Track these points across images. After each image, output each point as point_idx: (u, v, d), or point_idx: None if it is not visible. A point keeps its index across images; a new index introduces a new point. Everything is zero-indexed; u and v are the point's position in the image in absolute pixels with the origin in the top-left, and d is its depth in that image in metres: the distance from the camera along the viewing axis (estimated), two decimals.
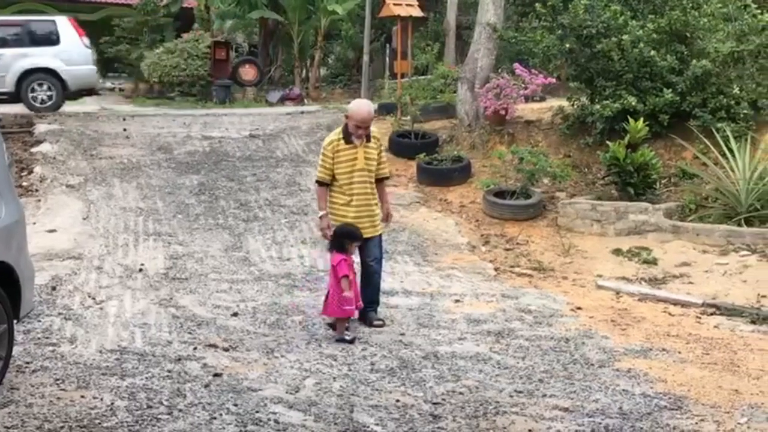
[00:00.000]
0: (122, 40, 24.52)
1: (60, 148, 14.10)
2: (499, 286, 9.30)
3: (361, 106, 7.82)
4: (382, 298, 8.50)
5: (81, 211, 11.31)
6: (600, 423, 5.52)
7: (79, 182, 12.50)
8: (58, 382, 6.00)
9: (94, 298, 8.25)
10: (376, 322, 7.76)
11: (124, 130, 15.77)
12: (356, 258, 7.69)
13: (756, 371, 6.68)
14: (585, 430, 5.39)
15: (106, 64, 27.50)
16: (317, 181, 7.74)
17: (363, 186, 7.70)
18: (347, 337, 7.30)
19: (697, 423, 5.56)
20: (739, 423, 5.57)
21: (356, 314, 7.62)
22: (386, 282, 8.87)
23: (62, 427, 5.18)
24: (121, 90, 24.86)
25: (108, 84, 26.70)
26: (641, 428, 5.43)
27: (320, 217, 7.73)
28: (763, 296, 8.81)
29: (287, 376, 6.28)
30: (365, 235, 7.72)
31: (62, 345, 6.89)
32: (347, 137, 7.62)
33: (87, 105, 19.12)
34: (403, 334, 7.51)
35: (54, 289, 8.40)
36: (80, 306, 8.00)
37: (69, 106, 18.20)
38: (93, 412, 5.46)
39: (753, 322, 8.24)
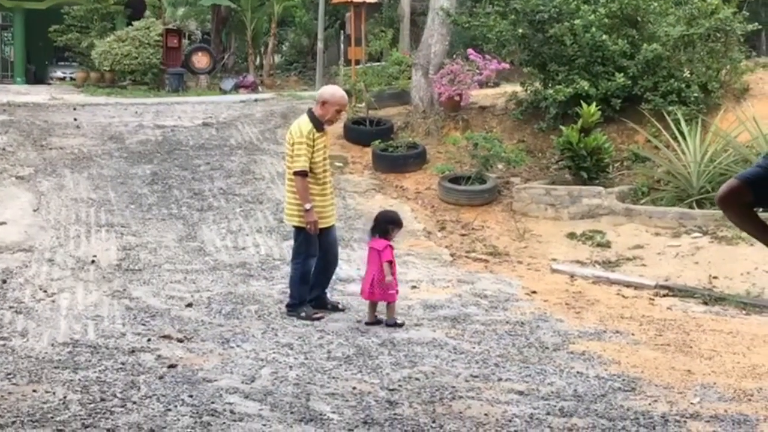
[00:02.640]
0: (72, 28, 24.12)
1: (9, 139, 13.86)
2: (455, 272, 9.33)
3: (337, 90, 7.92)
4: (339, 286, 8.51)
5: (31, 202, 11.13)
6: (555, 406, 5.56)
7: (29, 173, 12.30)
8: (9, 376, 5.91)
9: (45, 291, 8.14)
10: (340, 306, 7.88)
11: (75, 120, 15.53)
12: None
13: (708, 352, 6.78)
14: (540, 413, 5.42)
15: (56, 53, 27.15)
16: (300, 172, 7.44)
17: (330, 173, 7.74)
18: (399, 321, 7.39)
19: (650, 404, 5.62)
20: (692, 403, 5.64)
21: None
22: (342, 269, 8.86)
23: (14, 422, 5.09)
24: (71, 79, 24.49)
25: (58, 73, 26.33)
26: (596, 410, 5.48)
27: (307, 211, 7.45)
28: (715, 277, 8.94)
29: (243, 366, 6.24)
30: (331, 222, 7.74)
31: (13, 339, 6.78)
32: (318, 125, 7.56)
33: (37, 95, 18.80)
34: (359, 322, 7.50)
35: (4, 282, 8.27)
36: (31, 299, 7.89)
37: (18, 96, 17.89)
38: (45, 406, 5.38)
39: (705, 303, 8.36)
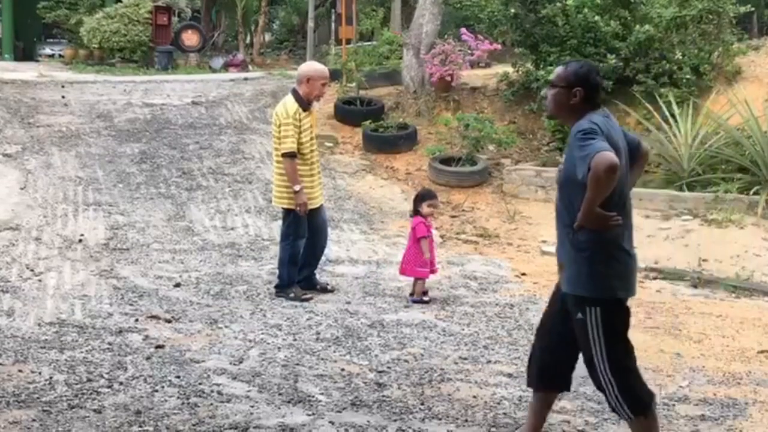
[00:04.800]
0: (61, 5, 23.92)
1: None
2: (445, 253, 9.30)
3: (318, 64, 7.95)
4: (328, 267, 8.48)
5: (18, 180, 11.03)
6: None
7: (17, 151, 12.19)
8: None
9: (32, 270, 8.08)
10: (329, 287, 7.85)
11: (63, 97, 15.41)
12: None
13: (697, 335, 6.78)
14: (529, 396, 5.37)
15: (44, 30, 26.93)
16: (288, 154, 7.35)
17: (317, 153, 7.69)
18: (425, 299, 7.50)
19: None
20: (680, 386, 5.65)
21: (431, 277, 7.76)
22: (332, 250, 8.83)
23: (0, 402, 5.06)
24: (60, 56, 24.29)
25: (47, 50, 26.11)
26: (584, 393, 5.47)
27: (296, 192, 7.36)
28: (705, 260, 8.93)
29: (231, 347, 6.21)
30: (320, 203, 7.71)
31: None
32: (303, 104, 7.49)
33: (24, 72, 18.65)
34: (349, 303, 7.48)
35: None
36: (18, 278, 7.83)
37: (5, 73, 17.74)
38: (31, 386, 5.34)
39: (694, 286, 8.37)
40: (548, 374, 4.53)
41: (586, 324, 4.19)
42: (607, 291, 4.18)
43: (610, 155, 3.91)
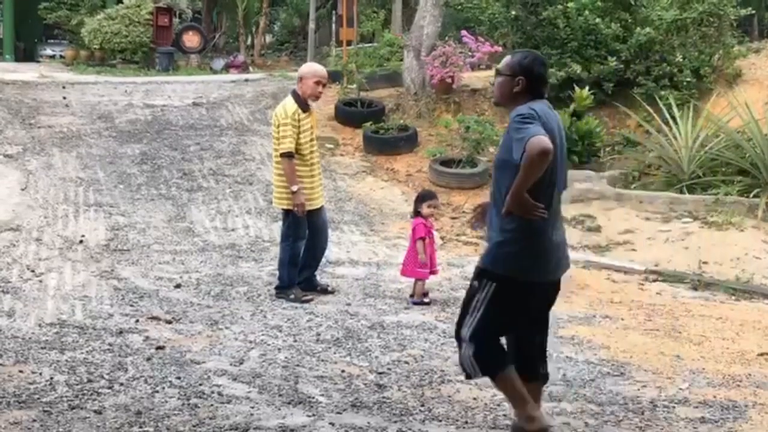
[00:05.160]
0: (62, 5, 23.92)
1: None
2: (445, 255, 9.30)
3: (313, 64, 8.01)
4: (329, 269, 8.49)
5: (19, 181, 11.04)
6: (544, 390, 5.54)
7: (18, 152, 12.20)
8: None
9: (33, 271, 8.08)
10: (329, 288, 7.85)
11: (64, 98, 15.41)
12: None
13: (697, 337, 6.78)
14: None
15: (45, 31, 26.94)
16: (286, 154, 7.37)
17: (317, 154, 7.69)
18: (426, 300, 7.50)
19: (639, 389, 5.62)
20: (680, 388, 5.65)
21: (431, 278, 7.77)
22: (332, 252, 8.84)
23: (0, 403, 5.06)
24: (61, 57, 24.29)
25: (48, 51, 26.11)
26: (584, 395, 5.48)
27: (294, 193, 7.37)
28: (705, 263, 8.94)
29: (231, 348, 6.22)
30: (320, 204, 7.71)
31: (0, 318, 6.74)
32: (303, 105, 7.50)
33: (26, 73, 18.66)
34: (349, 304, 7.48)
35: None
36: (19, 278, 7.84)
37: (6, 74, 17.74)
38: (32, 386, 5.35)
39: (694, 289, 8.37)
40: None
41: (477, 293, 4.45)
42: (510, 271, 4.37)
43: (544, 139, 4.07)
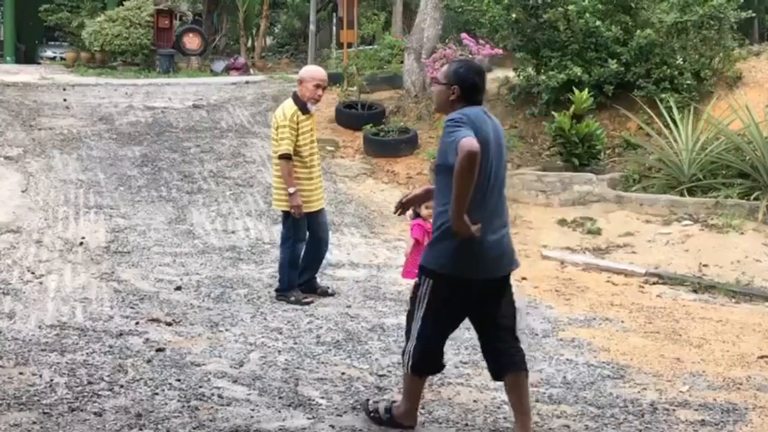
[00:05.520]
0: (63, 7, 23.96)
1: None
2: None
3: (313, 67, 8.00)
4: (329, 271, 8.48)
5: (20, 183, 11.05)
6: (544, 393, 5.55)
7: (18, 154, 12.22)
8: None
9: (33, 273, 8.08)
10: (329, 291, 7.83)
11: (65, 100, 15.44)
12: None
13: (698, 339, 6.78)
14: (529, 401, 5.40)
15: (46, 33, 26.96)
16: (284, 156, 7.36)
17: (317, 156, 7.69)
18: None
19: (639, 392, 5.62)
20: (681, 391, 5.64)
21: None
22: (333, 254, 8.83)
23: (0, 405, 5.06)
24: (62, 59, 24.31)
25: (48, 53, 26.13)
26: (585, 397, 5.48)
27: (291, 194, 7.36)
28: (705, 265, 8.94)
29: (231, 350, 6.21)
30: (320, 206, 7.70)
31: (0, 320, 6.74)
32: (303, 107, 7.50)
33: (26, 75, 18.67)
34: (349, 307, 7.48)
35: None
36: (19, 280, 7.84)
37: (7, 76, 17.76)
38: (32, 388, 5.34)
39: (695, 291, 8.36)
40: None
41: (419, 289, 4.69)
42: (443, 268, 4.56)
43: (469, 142, 4.28)
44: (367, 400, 5.11)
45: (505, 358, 4.78)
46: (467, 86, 4.61)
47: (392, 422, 4.88)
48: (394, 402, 4.98)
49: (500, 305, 4.75)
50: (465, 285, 4.58)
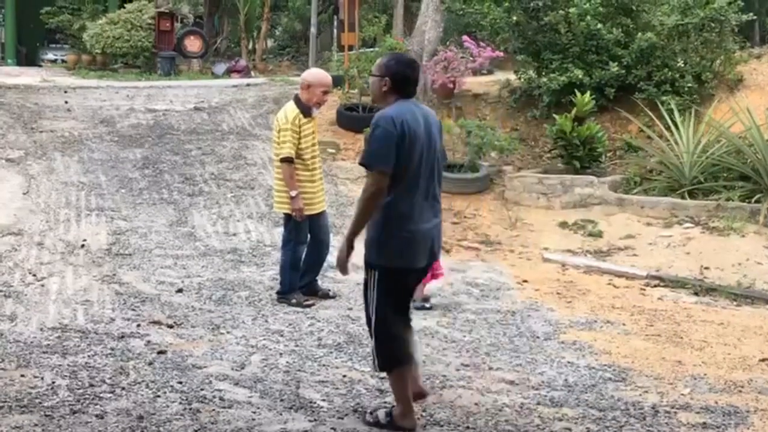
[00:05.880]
0: (64, 10, 23.97)
1: None
2: (447, 260, 9.27)
3: (320, 72, 7.88)
4: (330, 273, 8.48)
5: (21, 185, 11.04)
6: (546, 395, 5.56)
7: (19, 156, 12.21)
8: None
9: (34, 275, 8.09)
10: (331, 293, 7.83)
11: (66, 102, 15.43)
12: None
13: (699, 342, 6.78)
14: (531, 403, 5.42)
15: (47, 35, 26.96)
16: (286, 159, 7.36)
17: (319, 159, 7.69)
18: (426, 305, 7.49)
19: (641, 394, 5.62)
20: (682, 394, 5.65)
21: (436, 283, 7.61)
22: (334, 256, 8.79)
23: (1, 407, 5.06)
24: (63, 62, 24.32)
25: (49, 55, 26.13)
26: (586, 400, 5.48)
27: (293, 197, 7.37)
28: (706, 268, 8.94)
29: (233, 353, 6.22)
30: (321, 209, 7.70)
31: (2, 323, 6.75)
32: (305, 111, 7.50)
33: (28, 77, 18.68)
34: (350, 309, 7.48)
35: None
36: (20, 283, 7.84)
37: (8, 78, 17.77)
38: (33, 391, 5.35)
39: (696, 294, 8.37)
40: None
41: (367, 285, 4.88)
42: (385, 259, 4.78)
43: (378, 181, 4.62)
44: (365, 412, 5.13)
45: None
46: (398, 79, 4.83)
47: (393, 426, 4.92)
48: (393, 407, 5.00)
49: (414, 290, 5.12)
50: (406, 274, 4.86)
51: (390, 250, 4.76)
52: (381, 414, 5.00)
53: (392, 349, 4.86)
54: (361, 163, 4.83)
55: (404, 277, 4.87)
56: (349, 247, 4.76)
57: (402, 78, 4.84)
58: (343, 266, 4.83)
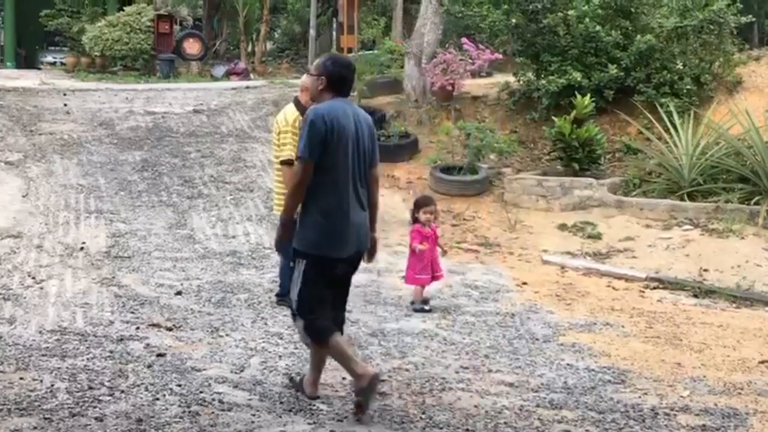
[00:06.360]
0: (63, 12, 23.95)
1: None
2: (446, 262, 9.27)
3: None
4: None
5: (20, 188, 11.05)
6: (545, 398, 5.55)
7: (19, 159, 12.22)
8: None
9: (33, 278, 8.08)
10: None
11: (65, 105, 15.44)
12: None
13: (698, 344, 6.78)
14: (530, 405, 5.41)
15: (46, 38, 26.97)
16: (286, 161, 7.22)
17: None
18: (426, 307, 7.50)
19: (640, 396, 5.62)
20: (681, 396, 5.64)
21: (434, 284, 7.82)
22: None
23: (0, 410, 5.05)
24: (62, 64, 24.32)
25: (49, 58, 26.14)
26: (585, 402, 5.47)
27: None
28: (705, 270, 8.94)
29: (232, 356, 6.21)
30: None
31: (1, 325, 6.75)
32: (304, 113, 7.47)
33: (27, 80, 18.68)
34: (350, 312, 7.42)
35: None
36: (20, 285, 7.84)
37: (8, 81, 17.77)
38: (33, 394, 5.34)
39: (695, 296, 8.37)
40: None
41: (294, 270, 5.18)
42: (312, 248, 5.07)
43: (303, 170, 4.99)
44: (289, 375, 5.69)
45: (338, 323, 5.34)
46: (333, 78, 5.13)
47: (298, 387, 5.44)
48: (304, 375, 5.49)
49: (349, 278, 5.41)
50: (332, 262, 5.12)
51: (316, 239, 5.05)
52: (296, 376, 5.54)
53: (321, 325, 5.18)
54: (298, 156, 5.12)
55: (329, 265, 5.12)
56: (283, 230, 5.14)
57: (338, 78, 5.15)
58: (279, 248, 5.16)
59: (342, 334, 5.35)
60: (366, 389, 5.05)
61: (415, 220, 7.73)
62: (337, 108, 5.08)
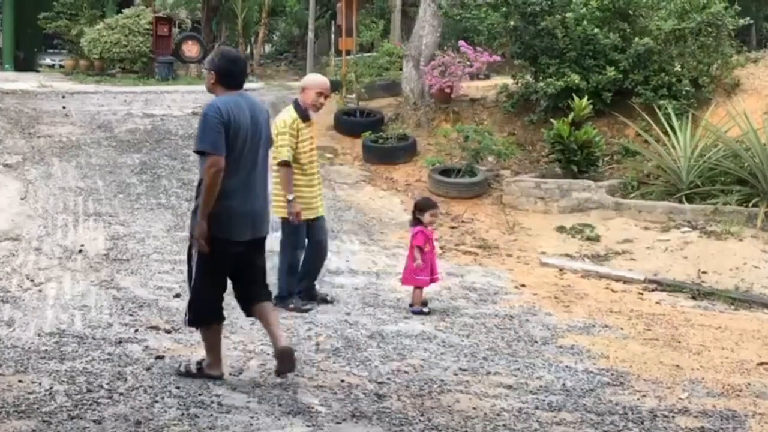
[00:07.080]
0: (62, 15, 23.97)
1: None
2: (445, 264, 9.30)
3: (316, 75, 8.05)
4: (327, 278, 8.49)
5: (19, 191, 11.05)
6: (543, 400, 5.56)
7: (17, 161, 12.22)
8: None
9: (32, 280, 8.08)
10: (329, 298, 7.83)
11: (64, 107, 15.44)
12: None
13: (697, 346, 6.79)
14: (529, 407, 5.41)
15: (45, 41, 26.98)
16: (283, 163, 7.41)
17: (317, 164, 7.70)
18: (425, 310, 7.50)
19: (639, 399, 5.62)
20: (680, 398, 5.65)
21: (432, 286, 7.84)
22: (332, 261, 8.83)
23: None
24: (60, 67, 24.34)
25: (47, 61, 26.16)
26: (584, 404, 5.48)
27: (290, 201, 7.41)
28: (704, 272, 8.95)
29: (231, 358, 6.20)
30: (319, 214, 7.70)
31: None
32: (303, 115, 7.52)
33: (25, 82, 18.69)
34: (348, 314, 7.48)
35: None
36: (18, 288, 7.83)
37: (6, 84, 17.78)
38: (31, 396, 5.33)
39: (694, 298, 8.37)
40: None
41: (190, 251, 5.48)
42: (208, 230, 5.29)
43: (215, 162, 5.21)
44: (178, 364, 5.82)
45: (254, 295, 5.69)
46: (222, 72, 5.42)
47: (203, 374, 5.64)
48: (203, 360, 5.70)
49: (254, 261, 5.68)
50: (225, 245, 5.36)
51: (217, 224, 5.30)
52: (192, 365, 5.70)
53: (203, 310, 5.51)
54: (195, 151, 5.39)
55: (224, 247, 5.37)
56: (205, 224, 5.30)
57: (226, 72, 5.42)
58: (201, 243, 5.31)
59: (265, 297, 5.81)
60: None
61: (416, 221, 7.73)
62: (231, 101, 5.34)
